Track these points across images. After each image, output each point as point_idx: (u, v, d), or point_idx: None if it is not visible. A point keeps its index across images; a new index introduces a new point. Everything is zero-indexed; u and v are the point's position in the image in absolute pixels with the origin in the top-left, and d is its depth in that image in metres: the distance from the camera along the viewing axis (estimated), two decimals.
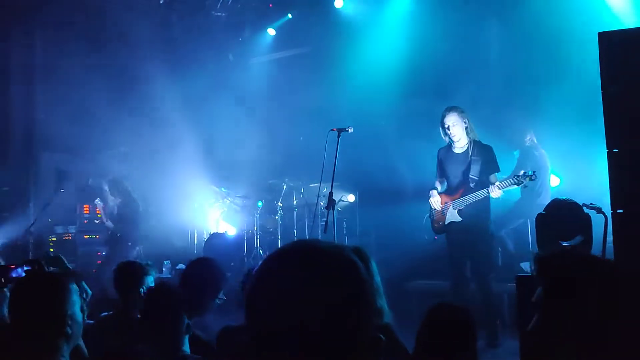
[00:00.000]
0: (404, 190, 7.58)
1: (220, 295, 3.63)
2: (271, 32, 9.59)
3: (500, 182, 5.20)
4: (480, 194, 5.23)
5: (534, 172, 5.13)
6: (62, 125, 8.88)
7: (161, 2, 8.72)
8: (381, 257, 5.80)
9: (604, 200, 3.70)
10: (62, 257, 3.15)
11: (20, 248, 8.39)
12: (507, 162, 7.01)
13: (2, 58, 8.89)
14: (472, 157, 5.35)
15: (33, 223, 8.56)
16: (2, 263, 3.62)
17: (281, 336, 0.97)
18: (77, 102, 8.52)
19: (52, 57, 8.77)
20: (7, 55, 8.87)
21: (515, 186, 5.19)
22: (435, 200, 5.53)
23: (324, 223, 5.45)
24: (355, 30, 8.44)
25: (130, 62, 8.44)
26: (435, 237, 5.65)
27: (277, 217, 8.78)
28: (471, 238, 5.26)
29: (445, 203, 5.47)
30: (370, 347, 1.01)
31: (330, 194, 5.32)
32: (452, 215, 5.39)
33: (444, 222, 5.46)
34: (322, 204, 8.05)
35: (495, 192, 5.14)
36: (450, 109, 5.41)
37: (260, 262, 1.09)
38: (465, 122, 5.37)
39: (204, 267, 3.76)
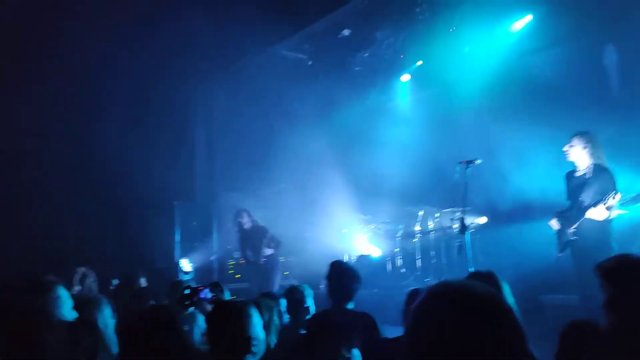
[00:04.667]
0: (535, 209, 7.68)
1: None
2: (406, 77, 10.60)
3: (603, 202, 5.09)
4: (588, 215, 5.22)
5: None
6: (235, 167, 10.71)
7: (309, 63, 10.36)
8: (517, 273, 6.10)
9: None
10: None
11: (207, 271, 10.26)
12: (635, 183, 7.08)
13: (187, 112, 11.01)
14: (589, 181, 5.39)
15: (215, 252, 10.43)
16: (194, 285, 4.26)
17: None
18: (246, 147, 10.30)
19: (227, 112, 10.73)
20: (194, 110, 10.92)
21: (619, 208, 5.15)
22: (554, 222, 5.69)
23: (458, 245, 5.92)
24: (479, 67, 9.17)
25: (287, 113, 10.07)
26: (559, 255, 5.70)
27: (415, 240, 9.63)
28: (592, 259, 5.17)
29: (563, 224, 5.60)
30: None
31: (462, 219, 5.78)
32: (569, 236, 5.49)
33: (563, 241, 5.59)
34: (455, 226, 8.87)
35: (599, 211, 5.10)
36: (573, 134, 5.49)
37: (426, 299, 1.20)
38: (585, 146, 5.41)
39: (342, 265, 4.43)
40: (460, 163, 5.97)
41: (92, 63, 9.10)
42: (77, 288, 5.02)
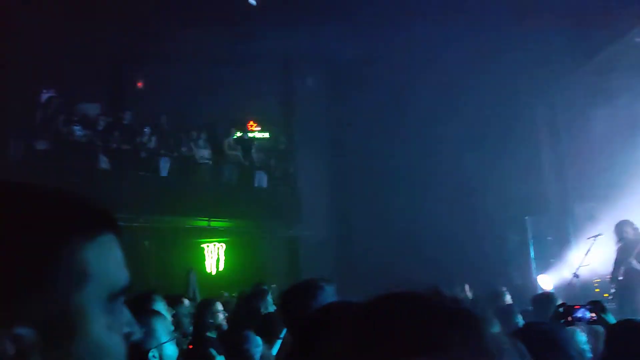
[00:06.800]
0: None
1: None
2: None
3: None
4: None
5: None
6: (590, 175, 9.86)
7: None
8: None
9: None
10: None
11: (568, 290, 9.60)
12: None
13: (531, 121, 10.71)
14: None
15: (577, 268, 9.66)
16: (560, 302, 4.01)
17: None
18: (601, 151, 9.37)
19: (573, 116, 10.04)
20: (537, 118, 10.59)
21: None
22: None
23: None
24: None
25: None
26: None
27: None
28: None
29: None
30: None
31: None
32: None
33: None
34: None
35: None
36: None
37: None
38: None
39: None
40: None
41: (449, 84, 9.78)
42: None
